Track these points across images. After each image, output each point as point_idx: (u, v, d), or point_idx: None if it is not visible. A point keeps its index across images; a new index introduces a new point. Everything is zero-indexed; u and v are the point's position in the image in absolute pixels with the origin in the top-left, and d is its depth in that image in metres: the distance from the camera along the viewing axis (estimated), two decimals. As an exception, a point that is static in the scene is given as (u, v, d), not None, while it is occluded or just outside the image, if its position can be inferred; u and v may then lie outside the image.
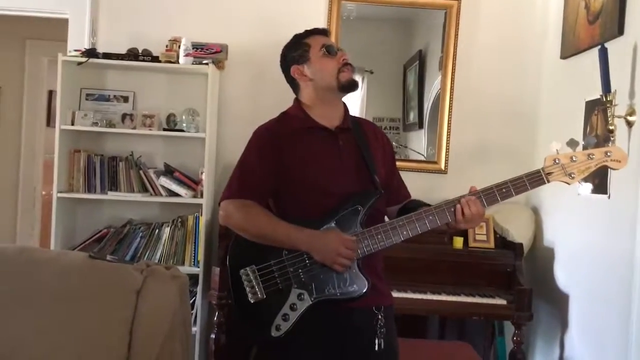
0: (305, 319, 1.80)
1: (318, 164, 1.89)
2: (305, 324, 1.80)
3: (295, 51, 1.96)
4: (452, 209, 1.79)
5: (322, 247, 1.79)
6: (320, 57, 1.93)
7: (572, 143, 1.78)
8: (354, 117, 2.05)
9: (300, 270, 1.81)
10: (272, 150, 1.89)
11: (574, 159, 1.77)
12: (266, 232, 1.84)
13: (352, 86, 1.94)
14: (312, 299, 1.80)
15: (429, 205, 1.89)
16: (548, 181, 1.78)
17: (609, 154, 1.77)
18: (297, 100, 2.01)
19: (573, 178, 1.77)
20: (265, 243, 1.84)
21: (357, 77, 2.45)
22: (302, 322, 1.80)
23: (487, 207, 1.80)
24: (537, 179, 1.78)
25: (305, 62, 1.94)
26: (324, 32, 2.00)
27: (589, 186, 1.79)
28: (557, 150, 1.77)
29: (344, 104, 2.01)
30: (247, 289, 1.82)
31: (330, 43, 1.96)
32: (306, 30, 2.00)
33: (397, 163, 2.12)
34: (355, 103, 3.63)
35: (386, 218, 1.98)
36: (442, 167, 3.61)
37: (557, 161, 1.77)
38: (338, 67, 1.92)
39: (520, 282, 3.10)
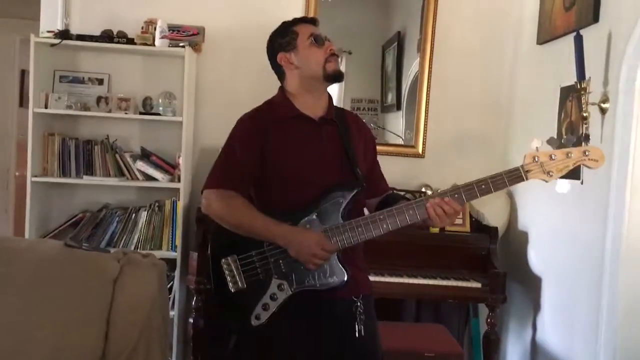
0: (285, 308, 1.82)
1: (300, 154, 1.89)
2: (285, 313, 1.82)
3: (283, 38, 1.96)
4: None
5: (298, 245, 1.79)
6: (307, 46, 1.93)
7: (552, 141, 1.80)
8: (338, 108, 2.06)
9: (280, 261, 1.83)
10: (255, 139, 1.89)
11: (552, 157, 1.79)
12: (244, 224, 1.85)
13: (337, 76, 1.96)
14: (292, 289, 1.82)
15: (408, 199, 1.90)
16: (527, 179, 1.80)
17: (587, 153, 1.79)
18: (281, 89, 2.01)
19: (551, 176, 1.79)
20: (244, 234, 1.85)
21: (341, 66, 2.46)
22: (282, 311, 1.82)
23: (466, 202, 1.82)
24: (516, 176, 1.79)
25: (293, 49, 1.94)
26: (312, 21, 2.00)
27: (566, 184, 1.82)
28: (537, 147, 1.79)
29: (329, 94, 2.02)
30: (228, 278, 1.83)
31: (318, 33, 1.96)
32: (295, 18, 2.00)
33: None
34: (333, 85, 3.60)
35: (365, 210, 1.99)
36: (420, 151, 3.63)
37: (536, 159, 1.79)
38: (325, 57, 1.92)
39: (495, 265, 3.15)
